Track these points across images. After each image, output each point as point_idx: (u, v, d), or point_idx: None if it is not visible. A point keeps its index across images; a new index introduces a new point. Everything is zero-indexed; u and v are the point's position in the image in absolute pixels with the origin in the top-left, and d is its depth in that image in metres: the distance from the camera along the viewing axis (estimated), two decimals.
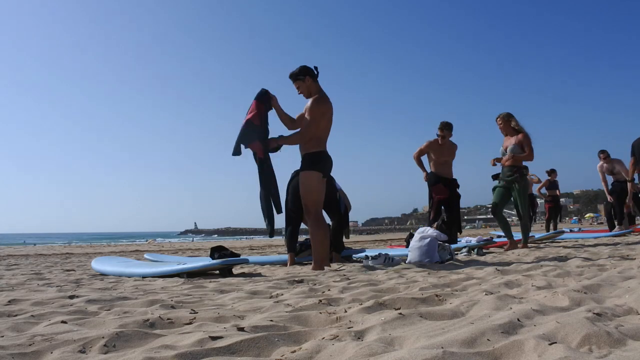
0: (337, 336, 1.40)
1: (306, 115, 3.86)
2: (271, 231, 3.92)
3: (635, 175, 7.81)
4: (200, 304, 2.21)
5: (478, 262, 3.93)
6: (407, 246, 5.10)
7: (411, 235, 4.93)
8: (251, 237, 50.94)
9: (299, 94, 3.97)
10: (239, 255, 4.11)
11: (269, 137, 3.93)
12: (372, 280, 2.95)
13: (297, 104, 4.32)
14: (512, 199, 5.74)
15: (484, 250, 5.43)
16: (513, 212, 6.46)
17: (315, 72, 3.94)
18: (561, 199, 11.37)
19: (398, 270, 3.53)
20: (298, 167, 4.18)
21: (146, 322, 1.71)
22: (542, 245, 6.44)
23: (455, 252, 4.83)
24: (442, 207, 5.77)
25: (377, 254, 4.52)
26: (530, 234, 5.89)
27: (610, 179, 8.59)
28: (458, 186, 5.91)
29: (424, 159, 5.97)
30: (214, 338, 1.39)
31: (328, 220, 4.60)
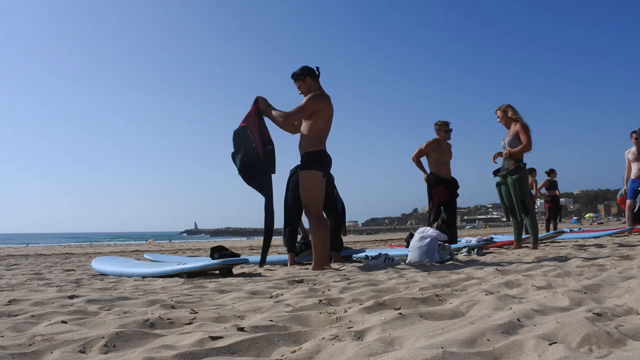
0: (337, 336, 1.40)
1: (299, 104, 3.84)
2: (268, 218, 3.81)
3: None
4: (200, 304, 2.21)
5: (478, 262, 3.93)
6: (407, 246, 5.10)
7: (411, 235, 4.92)
8: (251, 237, 50.93)
9: (300, 93, 3.98)
10: (239, 255, 4.11)
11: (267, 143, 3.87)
12: (372, 280, 2.95)
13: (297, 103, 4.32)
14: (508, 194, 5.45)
15: (484, 250, 5.42)
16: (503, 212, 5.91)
17: (317, 73, 3.95)
18: (561, 199, 11.37)
19: (398, 270, 3.53)
20: (297, 163, 4.19)
21: (146, 322, 1.71)
22: (542, 245, 6.44)
23: (455, 252, 4.83)
24: (442, 207, 5.76)
25: (377, 254, 4.52)
26: (528, 235, 5.68)
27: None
28: (458, 187, 5.90)
29: (423, 159, 5.95)
30: (214, 338, 1.39)
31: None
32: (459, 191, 5.89)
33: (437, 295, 2.12)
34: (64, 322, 1.75)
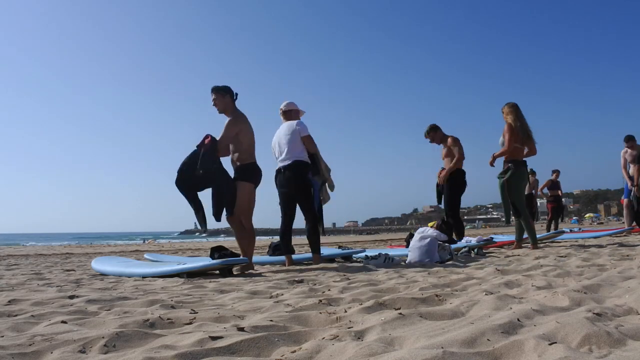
0: (337, 336, 1.40)
1: (222, 132, 4.16)
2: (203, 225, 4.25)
3: None
4: (200, 304, 2.21)
5: (478, 262, 3.93)
6: (407, 246, 5.10)
7: (411, 235, 4.92)
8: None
9: (213, 105, 4.27)
10: (239, 255, 4.11)
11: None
12: (372, 280, 2.95)
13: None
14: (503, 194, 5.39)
15: (484, 250, 5.42)
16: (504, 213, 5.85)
17: (235, 97, 4.27)
18: (562, 199, 11.36)
19: (398, 270, 3.53)
20: (281, 166, 4.43)
21: (146, 322, 1.71)
22: (542, 245, 6.43)
23: (455, 252, 4.83)
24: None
25: (377, 254, 4.53)
26: (528, 235, 5.64)
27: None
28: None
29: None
30: (214, 338, 1.39)
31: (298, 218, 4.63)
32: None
33: (437, 295, 2.12)
34: (64, 322, 1.75)
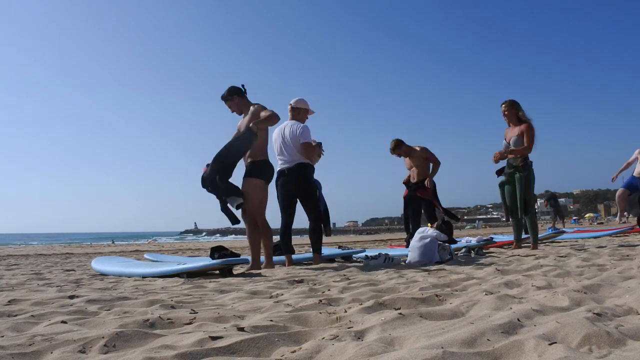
0: (337, 336, 1.40)
1: (249, 120, 4.10)
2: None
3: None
4: (200, 304, 2.21)
5: (478, 262, 3.93)
6: (407, 246, 5.10)
7: (411, 235, 4.92)
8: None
9: (233, 112, 4.32)
10: (239, 255, 4.11)
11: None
12: (372, 280, 2.95)
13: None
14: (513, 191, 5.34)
15: (484, 250, 5.42)
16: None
17: (244, 90, 4.29)
18: (561, 199, 11.37)
19: (398, 270, 3.53)
20: (284, 167, 4.42)
21: (146, 322, 1.71)
22: (542, 245, 6.44)
23: (455, 252, 4.83)
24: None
25: (377, 254, 4.53)
26: (528, 235, 5.63)
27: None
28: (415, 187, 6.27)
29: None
30: (214, 338, 1.39)
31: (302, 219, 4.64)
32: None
33: (437, 295, 2.12)
34: (64, 322, 1.75)
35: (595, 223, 43.84)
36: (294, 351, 1.27)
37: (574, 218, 58.26)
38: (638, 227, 8.08)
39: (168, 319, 1.77)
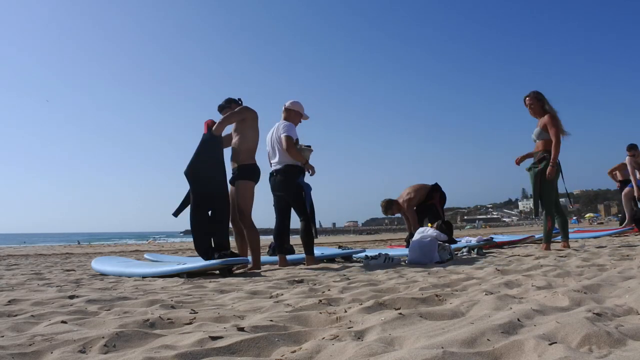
0: (337, 336, 1.40)
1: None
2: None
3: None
4: (200, 304, 2.21)
5: (478, 262, 3.93)
6: (407, 246, 5.10)
7: (411, 235, 4.92)
8: None
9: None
10: (239, 255, 4.11)
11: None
12: (372, 280, 2.95)
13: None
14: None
15: (484, 250, 5.43)
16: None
17: (240, 103, 4.41)
18: (561, 199, 11.37)
19: (398, 270, 3.53)
20: (274, 169, 4.48)
21: (146, 322, 1.71)
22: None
23: (455, 252, 4.83)
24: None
25: (377, 254, 4.52)
26: (528, 235, 5.59)
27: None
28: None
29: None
30: (214, 338, 1.39)
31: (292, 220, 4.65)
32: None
33: (437, 295, 2.12)
34: (64, 322, 1.75)
35: (595, 223, 43.86)
36: (294, 351, 1.27)
37: (574, 218, 58.30)
38: (637, 228, 8.10)
39: (168, 319, 1.77)
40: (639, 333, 1.28)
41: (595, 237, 7.87)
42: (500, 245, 6.42)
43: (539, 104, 5.03)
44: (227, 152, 4.36)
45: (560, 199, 5.56)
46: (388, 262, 4.20)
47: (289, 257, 4.75)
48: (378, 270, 3.60)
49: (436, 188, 6.93)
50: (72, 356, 1.30)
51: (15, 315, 2.00)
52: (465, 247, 5.36)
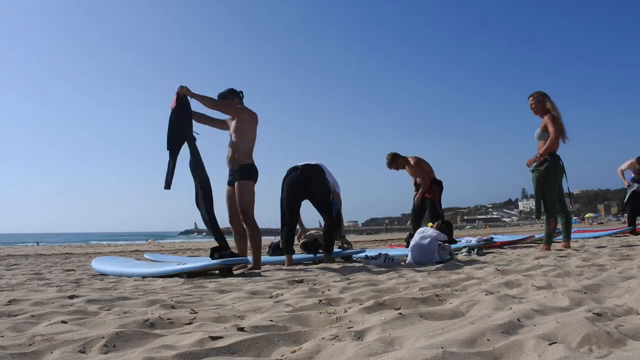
0: (337, 336, 1.40)
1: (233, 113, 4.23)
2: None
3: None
4: (200, 304, 2.21)
5: (478, 262, 3.93)
6: (407, 246, 5.10)
7: (411, 235, 4.92)
8: None
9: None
10: (239, 255, 4.11)
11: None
12: (372, 280, 2.95)
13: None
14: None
15: (484, 250, 5.43)
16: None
17: (241, 95, 4.38)
18: None
19: (398, 270, 3.53)
20: (303, 164, 4.65)
21: (146, 322, 1.71)
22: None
23: (455, 252, 4.83)
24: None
25: (377, 254, 4.52)
26: (528, 235, 5.58)
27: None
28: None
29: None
30: (214, 338, 1.39)
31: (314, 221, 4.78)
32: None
33: (437, 295, 2.12)
34: (64, 322, 1.75)
35: (595, 223, 43.85)
36: (294, 351, 1.27)
37: (574, 218, 58.33)
38: (636, 227, 8.10)
39: (168, 319, 1.77)
40: (639, 333, 1.28)
41: (595, 237, 7.88)
42: (500, 245, 6.42)
43: (540, 104, 5.05)
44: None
45: None
46: (388, 262, 4.20)
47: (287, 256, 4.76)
48: (378, 270, 3.60)
49: (436, 181, 6.82)
50: (72, 356, 1.30)
51: (15, 315, 2.00)
52: (465, 247, 5.36)
